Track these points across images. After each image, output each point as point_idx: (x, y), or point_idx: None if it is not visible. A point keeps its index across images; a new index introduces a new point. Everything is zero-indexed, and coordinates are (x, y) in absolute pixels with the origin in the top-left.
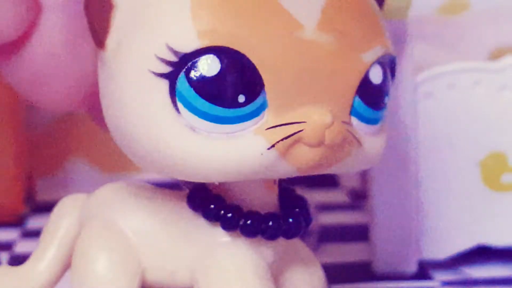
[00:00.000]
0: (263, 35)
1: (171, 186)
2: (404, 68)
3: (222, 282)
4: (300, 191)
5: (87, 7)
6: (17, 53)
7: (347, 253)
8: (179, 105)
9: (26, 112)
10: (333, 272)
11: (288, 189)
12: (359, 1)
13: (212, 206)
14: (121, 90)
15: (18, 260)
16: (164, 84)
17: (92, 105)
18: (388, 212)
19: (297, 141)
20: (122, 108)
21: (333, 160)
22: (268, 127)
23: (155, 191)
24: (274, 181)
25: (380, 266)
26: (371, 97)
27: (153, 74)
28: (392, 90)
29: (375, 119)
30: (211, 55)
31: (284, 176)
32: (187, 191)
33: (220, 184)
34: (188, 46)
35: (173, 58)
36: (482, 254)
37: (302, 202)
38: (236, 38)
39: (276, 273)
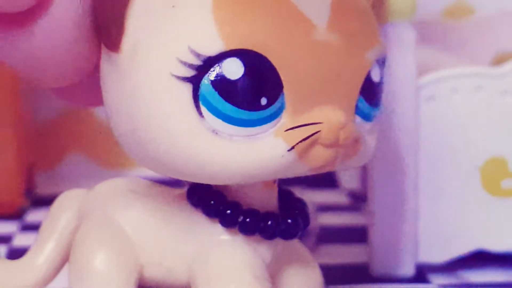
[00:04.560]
0: (281, 37)
1: (170, 183)
2: (406, 71)
3: (219, 281)
4: (299, 191)
5: (97, 7)
6: (27, 25)
7: (345, 254)
8: (203, 108)
9: (27, 106)
10: (330, 273)
11: (286, 191)
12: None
13: (212, 201)
14: (140, 94)
15: (16, 253)
16: (187, 88)
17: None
18: (387, 214)
19: (314, 142)
20: (140, 111)
21: (343, 159)
22: (287, 128)
23: (154, 187)
24: (274, 180)
25: (377, 268)
26: (372, 95)
27: (175, 78)
28: (394, 93)
29: (373, 117)
30: (235, 58)
31: (295, 175)
32: (186, 188)
33: None
34: (211, 49)
35: (197, 62)
36: (481, 259)
37: (300, 204)
38: (258, 41)
39: (273, 273)
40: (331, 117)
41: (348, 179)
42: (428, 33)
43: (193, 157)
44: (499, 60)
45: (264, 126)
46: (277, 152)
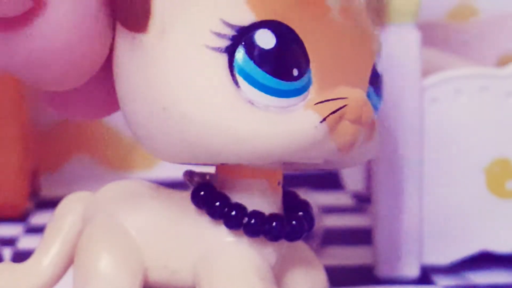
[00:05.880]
0: (305, 13)
1: (175, 185)
2: (411, 72)
3: (225, 283)
4: (304, 193)
5: None
6: (23, 28)
7: (349, 256)
8: (239, 78)
9: (32, 108)
10: (335, 275)
11: (291, 192)
12: None
13: (216, 203)
14: (172, 70)
15: (21, 255)
16: (222, 58)
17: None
18: (392, 216)
19: (341, 117)
20: (172, 88)
21: (363, 141)
22: (316, 102)
23: (159, 190)
24: (278, 182)
25: (382, 270)
26: (378, 85)
27: (210, 49)
28: (398, 94)
29: (378, 107)
30: (266, 29)
31: (325, 156)
32: (191, 190)
33: (225, 182)
34: (243, 20)
35: (231, 32)
36: (485, 260)
37: (305, 206)
38: (285, 14)
39: (278, 275)
40: (355, 93)
41: (353, 181)
42: (433, 35)
43: (230, 129)
44: (504, 62)
45: (296, 99)
46: (310, 123)
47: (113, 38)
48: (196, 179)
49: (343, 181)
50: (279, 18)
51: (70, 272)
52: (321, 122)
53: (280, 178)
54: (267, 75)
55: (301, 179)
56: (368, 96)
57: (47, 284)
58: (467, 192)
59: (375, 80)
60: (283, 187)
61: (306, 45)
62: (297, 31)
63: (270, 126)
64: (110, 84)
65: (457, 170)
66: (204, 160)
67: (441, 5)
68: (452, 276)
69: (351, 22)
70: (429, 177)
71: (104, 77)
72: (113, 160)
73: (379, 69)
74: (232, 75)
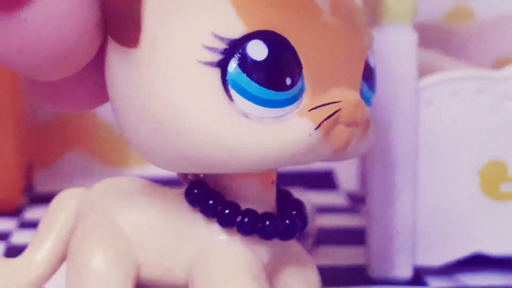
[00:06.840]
0: (297, 20)
1: (169, 183)
2: (406, 73)
3: (218, 281)
4: (298, 192)
5: (110, 6)
6: (18, 11)
7: (343, 256)
8: (232, 92)
9: (27, 103)
10: (328, 275)
11: (285, 192)
12: None
13: (210, 201)
14: (165, 85)
15: (14, 250)
16: (215, 73)
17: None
18: (385, 217)
19: (335, 121)
20: (165, 104)
21: (358, 140)
22: (310, 108)
23: (153, 187)
24: (272, 181)
25: (375, 270)
26: (371, 79)
27: (202, 64)
28: (394, 95)
29: (371, 101)
30: (258, 40)
31: (320, 159)
32: (185, 188)
33: (219, 181)
34: (235, 32)
35: (222, 45)
36: (479, 262)
37: (299, 205)
38: (276, 23)
39: (271, 274)
40: (348, 95)
41: (347, 181)
42: (429, 36)
43: (226, 143)
44: (500, 64)
45: (289, 107)
46: (305, 131)
47: (106, 41)
48: (190, 177)
49: (337, 181)
50: (271, 28)
51: (63, 267)
52: (315, 129)
53: (274, 177)
54: (261, 87)
55: (295, 178)
56: (362, 92)
57: (40, 279)
58: (461, 194)
59: (368, 74)
60: (277, 186)
61: (299, 51)
62: (290, 39)
63: (265, 138)
64: (101, 75)
65: (451, 171)
66: (198, 171)
67: (437, 6)
68: (445, 277)
69: (342, 20)
70: (423, 179)
71: (95, 68)
72: (108, 156)
73: (372, 62)
74: (225, 88)
